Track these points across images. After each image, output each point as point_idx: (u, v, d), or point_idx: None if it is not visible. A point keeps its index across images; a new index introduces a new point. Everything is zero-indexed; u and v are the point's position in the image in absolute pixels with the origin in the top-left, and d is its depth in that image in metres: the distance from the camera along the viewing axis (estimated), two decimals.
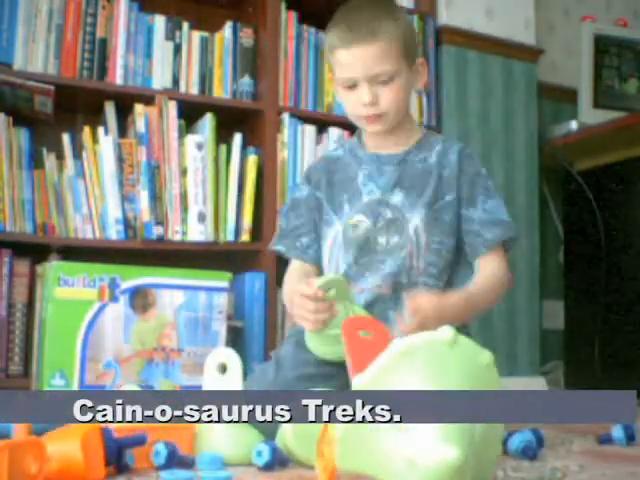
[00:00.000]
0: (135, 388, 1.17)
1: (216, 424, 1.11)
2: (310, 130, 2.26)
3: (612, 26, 2.85)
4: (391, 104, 1.39)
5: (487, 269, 1.45)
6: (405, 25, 1.42)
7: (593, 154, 2.66)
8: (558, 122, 2.79)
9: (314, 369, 1.32)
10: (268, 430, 1.16)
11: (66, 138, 2.00)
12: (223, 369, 1.14)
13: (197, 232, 2.01)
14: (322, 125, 2.28)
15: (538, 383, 2.56)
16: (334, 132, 2.28)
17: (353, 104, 1.41)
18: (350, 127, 2.32)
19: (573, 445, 1.34)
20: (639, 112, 2.50)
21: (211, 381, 1.15)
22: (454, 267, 1.46)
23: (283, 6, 2.27)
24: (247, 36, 2.24)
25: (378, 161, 1.47)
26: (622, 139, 2.50)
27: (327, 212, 1.48)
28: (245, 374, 1.27)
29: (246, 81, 2.22)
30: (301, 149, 2.23)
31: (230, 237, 2.08)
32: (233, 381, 1.14)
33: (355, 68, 1.37)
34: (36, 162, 1.96)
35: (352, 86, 1.39)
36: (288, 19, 2.28)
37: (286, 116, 2.21)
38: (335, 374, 1.28)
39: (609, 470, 1.09)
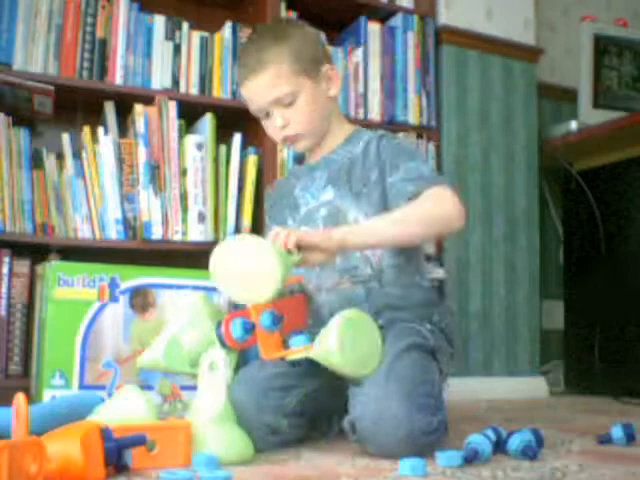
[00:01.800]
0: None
1: (209, 425, 1.12)
2: None
3: (612, 26, 2.86)
4: (302, 123, 1.45)
5: (413, 204, 1.33)
6: (296, 42, 1.45)
7: (593, 154, 2.66)
8: (558, 122, 2.80)
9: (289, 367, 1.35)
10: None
11: (66, 138, 1.99)
12: (212, 367, 1.16)
13: (197, 232, 2.01)
14: None
15: (538, 383, 2.56)
16: None
17: (272, 131, 1.50)
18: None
19: (573, 445, 1.34)
20: (639, 112, 2.50)
21: (202, 379, 1.17)
22: None
23: (283, 6, 2.27)
24: (247, 36, 2.24)
25: (309, 171, 1.54)
26: (622, 139, 2.50)
27: None
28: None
29: None
30: None
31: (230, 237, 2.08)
32: (218, 379, 1.15)
33: (256, 99, 1.46)
34: (36, 162, 1.96)
35: (266, 115, 1.48)
36: None
37: None
38: (315, 373, 1.30)
39: (609, 470, 1.09)
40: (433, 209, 1.31)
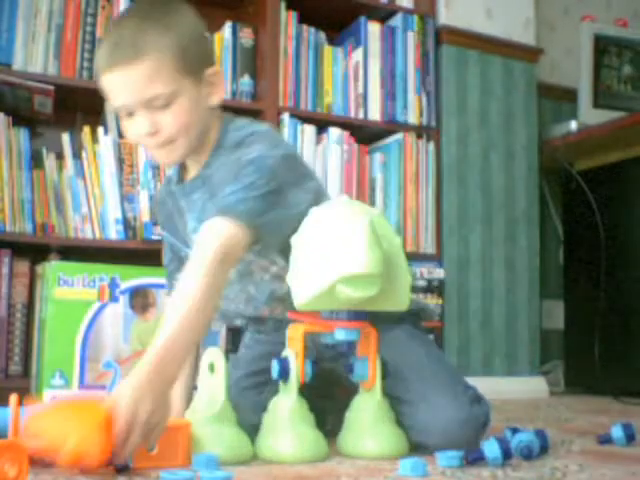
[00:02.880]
0: None
1: (208, 425, 1.12)
2: (310, 130, 2.26)
3: (612, 26, 2.85)
4: (175, 131, 1.19)
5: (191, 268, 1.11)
6: (184, 32, 1.20)
7: (593, 154, 2.66)
8: (558, 122, 2.79)
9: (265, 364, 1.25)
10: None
11: (66, 138, 1.99)
12: (212, 368, 1.16)
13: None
14: (322, 125, 2.29)
15: (538, 383, 2.56)
16: (334, 132, 2.28)
17: (135, 135, 1.22)
18: (350, 127, 2.33)
19: (573, 445, 1.34)
20: (639, 112, 2.50)
21: (203, 380, 1.17)
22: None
23: (283, 6, 2.27)
24: (247, 36, 2.24)
25: (185, 192, 1.31)
26: (622, 139, 2.50)
27: (181, 249, 1.39)
28: None
29: (246, 81, 2.22)
30: (301, 149, 2.23)
31: None
32: (217, 379, 1.15)
33: (123, 95, 1.17)
34: (36, 162, 1.96)
35: (129, 114, 1.20)
36: (288, 19, 2.28)
37: (286, 116, 2.21)
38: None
39: (609, 470, 1.09)
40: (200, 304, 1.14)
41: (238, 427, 1.15)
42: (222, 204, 1.15)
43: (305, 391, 1.18)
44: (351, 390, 1.23)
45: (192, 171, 1.32)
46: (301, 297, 1.11)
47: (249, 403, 1.25)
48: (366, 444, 1.17)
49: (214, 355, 1.17)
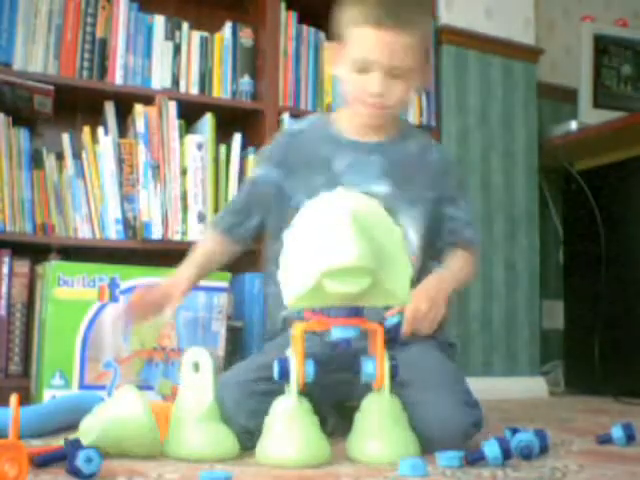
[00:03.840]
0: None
1: (194, 424, 1.13)
2: None
3: (612, 26, 2.86)
4: (399, 100, 1.34)
5: (460, 259, 1.46)
6: (429, 21, 1.41)
7: (593, 154, 2.66)
8: (558, 122, 2.79)
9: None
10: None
11: (66, 138, 1.99)
12: (197, 367, 1.16)
13: (197, 232, 2.01)
14: None
15: (538, 383, 2.56)
16: None
17: (359, 88, 1.33)
18: None
19: (573, 445, 1.34)
20: (639, 112, 2.50)
21: (187, 379, 1.17)
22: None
23: (283, 6, 2.27)
24: (247, 36, 2.24)
25: (361, 149, 1.40)
26: (622, 139, 2.50)
27: (294, 195, 1.39)
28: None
29: (246, 81, 2.22)
30: None
31: None
32: (204, 379, 1.15)
33: (378, 53, 1.28)
34: (36, 162, 1.96)
35: (363, 69, 1.30)
36: (288, 19, 2.28)
37: (286, 116, 2.21)
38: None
39: (609, 470, 1.09)
40: (469, 273, 1.48)
41: (223, 425, 1.16)
42: (465, 237, 1.45)
43: (313, 394, 1.15)
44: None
45: (367, 134, 1.41)
46: (289, 295, 1.08)
47: (250, 408, 1.22)
48: (368, 447, 1.13)
49: (198, 354, 1.17)
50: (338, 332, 1.11)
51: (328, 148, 1.41)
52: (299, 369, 1.11)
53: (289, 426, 1.10)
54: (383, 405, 1.14)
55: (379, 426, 1.13)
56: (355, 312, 1.12)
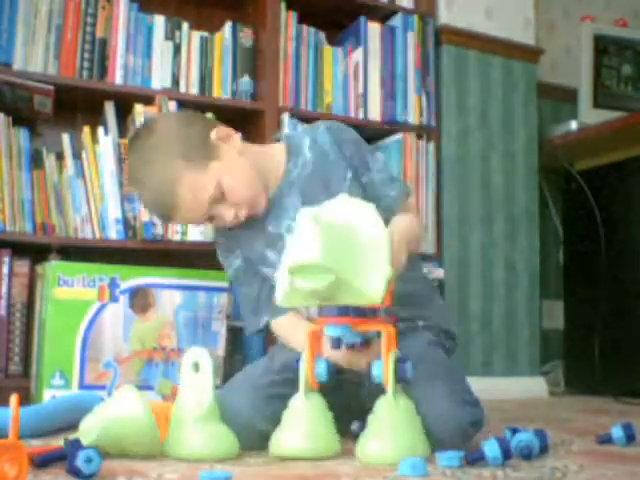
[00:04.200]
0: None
1: (194, 424, 1.14)
2: None
3: (612, 26, 2.86)
4: (242, 196, 1.38)
5: (404, 218, 1.41)
6: (175, 146, 1.36)
7: (593, 154, 2.66)
8: (558, 122, 2.79)
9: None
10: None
11: (66, 138, 1.99)
12: (197, 368, 1.17)
13: (197, 232, 2.01)
14: None
15: (538, 383, 2.56)
16: None
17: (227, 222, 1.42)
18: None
19: (573, 445, 1.34)
20: (639, 112, 2.50)
21: (186, 379, 1.18)
22: None
23: (283, 6, 2.27)
24: (247, 36, 2.24)
25: (271, 205, 1.45)
26: (622, 139, 2.50)
27: (260, 268, 1.47)
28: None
29: (246, 81, 2.22)
30: None
31: None
32: (204, 379, 1.16)
33: (192, 212, 1.39)
34: (36, 162, 1.96)
35: (209, 218, 1.42)
36: (288, 19, 2.28)
37: (286, 116, 2.21)
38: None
39: (609, 470, 1.09)
40: (416, 229, 1.42)
41: (223, 425, 1.17)
42: (392, 198, 1.43)
43: (330, 396, 1.20)
44: None
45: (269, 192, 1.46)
46: (277, 294, 1.18)
47: (267, 412, 1.24)
48: (370, 447, 1.14)
49: (198, 354, 1.17)
50: (331, 331, 1.18)
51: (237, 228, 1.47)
52: (308, 367, 1.18)
53: (299, 419, 1.17)
54: (390, 406, 1.16)
55: (385, 427, 1.15)
56: (345, 312, 1.16)
